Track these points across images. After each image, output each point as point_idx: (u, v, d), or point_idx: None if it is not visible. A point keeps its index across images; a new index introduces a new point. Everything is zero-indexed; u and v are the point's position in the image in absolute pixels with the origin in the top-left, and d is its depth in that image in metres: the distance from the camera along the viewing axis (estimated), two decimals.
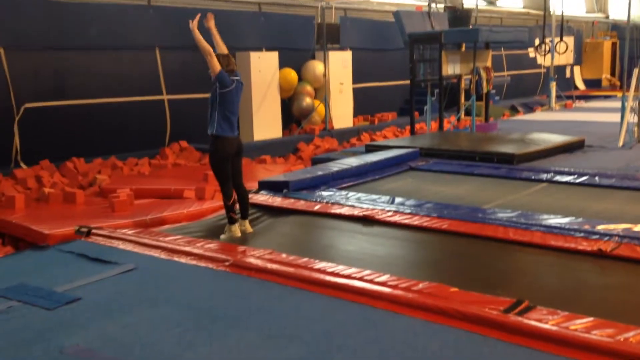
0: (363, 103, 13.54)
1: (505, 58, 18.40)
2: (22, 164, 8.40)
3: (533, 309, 3.16)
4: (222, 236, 5.07)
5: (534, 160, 7.67)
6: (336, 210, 5.50)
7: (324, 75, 11.95)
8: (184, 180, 7.51)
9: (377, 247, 4.62)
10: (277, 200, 5.90)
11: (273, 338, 3.08)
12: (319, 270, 3.87)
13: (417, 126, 11.71)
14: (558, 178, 6.64)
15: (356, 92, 13.00)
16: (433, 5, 12.59)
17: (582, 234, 4.46)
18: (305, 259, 4.10)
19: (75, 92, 9.06)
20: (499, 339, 2.96)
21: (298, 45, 12.15)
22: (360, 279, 3.70)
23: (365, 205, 5.56)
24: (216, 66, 4.86)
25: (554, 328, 2.93)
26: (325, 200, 5.79)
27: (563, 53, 15.43)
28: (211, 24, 5.05)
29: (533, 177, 6.75)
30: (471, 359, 2.81)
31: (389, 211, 5.33)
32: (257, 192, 6.21)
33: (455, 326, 3.12)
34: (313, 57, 12.35)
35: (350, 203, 5.67)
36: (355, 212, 5.39)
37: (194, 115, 10.09)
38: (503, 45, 15.66)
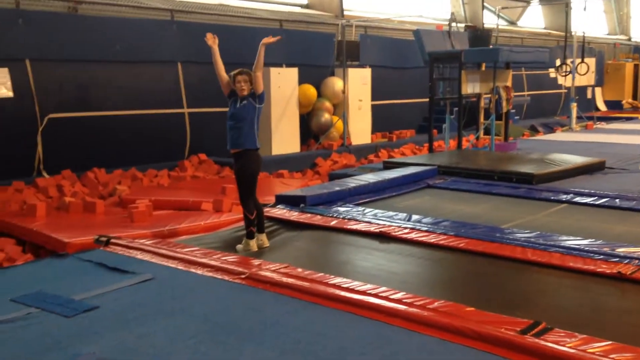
0: (381, 120, 13.57)
1: (526, 78, 18.34)
2: (44, 173, 8.53)
3: (550, 330, 3.12)
4: (239, 247, 5.08)
5: (554, 181, 7.61)
6: (353, 226, 5.50)
7: (343, 91, 12.01)
8: (202, 192, 7.56)
9: (393, 264, 4.60)
10: (293, 215, 5.92)
11: (287, 353, 3.08)
12: (335, 286, 3.87)
13: (435, 144, 11.69)
14: (578, 199, 6.58)
15: (375, 109, 13.04)
16: (453, 24, 12.63)
17: (601, 257, 4.41)
18: (320, 274, 4.10)
19: (98, 103, 9.21)
20: None
21: (318, 61, 12.24)
22: (376, 295, 3.69)
23: (382, 222, 5.55)
24: (261, 83, 4.94)
25: (572, 351, 2.89)
26: (341, 216, 5.79)
27: (584, 74, 15.35)
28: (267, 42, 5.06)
29: (552, 198, 6.69)
30: None
31: (405, 228, 5.32)
32: (274, 206, 6.24)
33: (470, 346, 3.09)
34: (332, 74, 12.42)
35: (367, 219, 5.67)
36: (372, 228, 5.38)
37: (213, 129, 10.19)
38: (523, 65, 15.62)
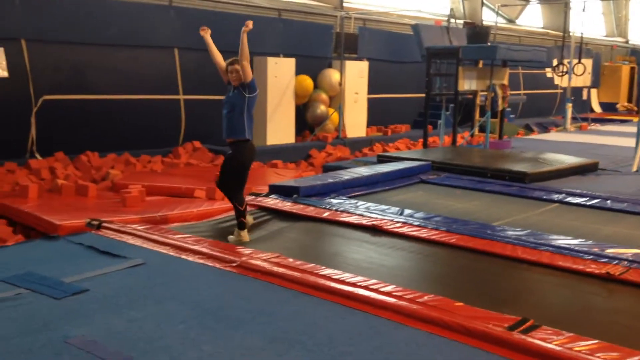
0: (377, 114, 13.57)
1: (523, 77, 18.37)
2: (37, 155, 8.49)
3: (538, 328, 3.15)
4: (231, 237, 5.09)
5: (546, 180, 7.65)
6: (345, 218, 5.51)
7: (340, 84, 12.00)
8: (196, 179, 7.55)
9: (384, 257, 4.62)
10: (286, 205, 5.92)
11: (276, 341, 3.09)
12: (325, 277, 3.88)
13: (430, 140, 11.71)
14: (570, 199, 6.61)
15: (371, 103, 13.04)
16: (452, 20, 12.62)
17: (591, 257, 4.44)
18: (311, 265, 4.11)
19: (94, 87, 9.16)
20: (502, 356, 2.96)
21: (315, 53, 12.21)
22: (366, 287, 3.70)
23: (374, 215, 5.57)
24: (251, 73, 4.91)
25: (558, 348, 2.92)
26: (334, 208, 5.80)
27: (581, 75, 15.39)
28: (245, 33, 5.01)
29: (544, 197, 6.73)
30: None
31: (397, 222, 5.34)
32: (267, 195, 6.24)
33: (458, 340, 3.11)
34: (330, 66, 12.41)
35: (359, 212, 5.68)
36: (364, 221, 5.40)
37: (208, 116, 10.17)
38: (521, 64, 15.64)
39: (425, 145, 11.08)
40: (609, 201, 6.51)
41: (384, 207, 5.92)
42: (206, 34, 5.08)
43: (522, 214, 6.00)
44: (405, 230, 5.15)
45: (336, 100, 12.13)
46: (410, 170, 7.75)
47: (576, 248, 4.61)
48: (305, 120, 12.02)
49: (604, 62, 22.74)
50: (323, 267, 4.07)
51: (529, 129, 16.39)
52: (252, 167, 5.22)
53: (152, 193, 6.84)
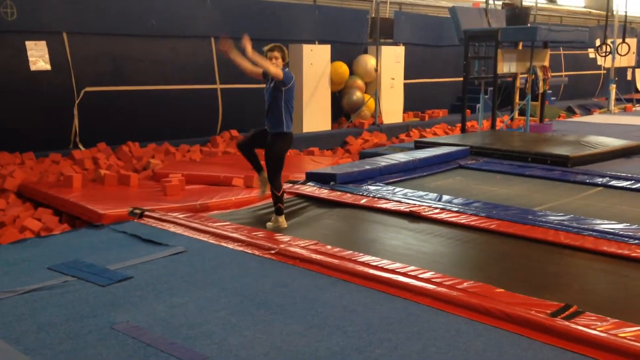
0: (414, 99, 13.44)
1: (564, 58, 17.91)
2: (80, 146, 8.71)
3: (581, 314, 3.09)
4: (269, 224, 5.13)
5: (590, 164, 7.46)
6: (382, 204, 5.49)
7: (376, 69, 11.91)
8: (233, 168, 7.63)
9: (423, 244, 4.60)
10: (323, 192, 5.94)
11: (315, 327, 3.12)
12: (363, 264, 3.89)
13: (468, 124, 11.55)
14: (614, 183, 6.44)
15: (407, 88, 12.92)
16: (491, 2, 12.36)
17: (636, 241, 4.33)
18: (349, 252, 4.12)
19: (133, 78, 9.32)
20: (545, 342, 2.92)
21: (351, 39, 12.14)
22: (405, 274, 3.69)
23: (412, 202, 5.53)
24: (278, 70, 4.79)
25: (603, 335, 2.86)
26: (371, 195, 5.79)
27: (625, 55, 14.91)
28: (248, 48, 4.90)
29: (588, 181, 6.57)
30: None
31: (436, 208, 5.29)
32: (304, 183, 6.27)
33: (499, 327, 3.08)
34: (365, 52, 12.32)
35: (396, 198, 5.65)
36: (402, 207, 5.37)
37: (245, 105, 10.24)
38: (562, 45, 15.24)
39: (463, 130, 10.93)
40: None
41: (421, 193, 5.87)
42: (231, 52, 4.98)
43: (565, 199, 5.88)
44: (443, 216, 5.10)
45: (372, 86, 12.06)
46: (448, 156, 7.67)
47: (621, 232, 4.50)
48: (341, 107, 11.98)
49: None
50: (361, 254, 4.07)
51: (570, 112, 15.99)
52: (288, 154, 5.24)
53: (191, 182, 6.95)
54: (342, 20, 12.11)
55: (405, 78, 12.71)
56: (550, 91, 14.57)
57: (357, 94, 11.87)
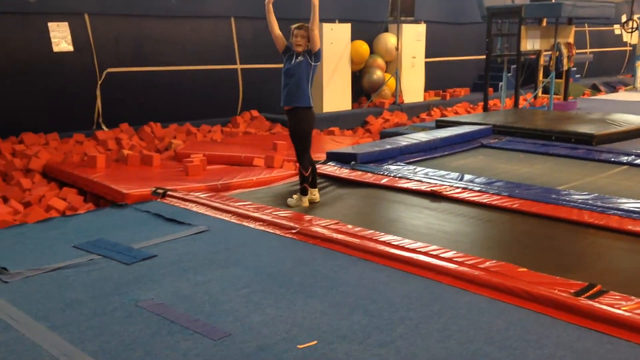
0: (435, 78, 13.30)
1: (589, 34, 17.53)
2: (103, 126, 8.81)
3: (605, 293, 3.06)
4: (290, 200, 5.13)
5: (615, 142, 7.33)
6: (403, 184, 5.47)
7: (397, 48, 11.78)
8: (254, 148, 7.66)
9: (444, 223, 4.58)
10: (344, 172, 5.93)
11: (337, 306, 3.14)
12: (384, 243, 3.89)
13: (490, 103, 11.40)
14: (639, 161, 6.33)
15: (428, 66, 12.77)
16: None
17: None
18: (370, 231, 4.13)
19: (154, 59, 9.35)
20: (568, 321, 2.90)
21: (371, 17, 12.01)
22: (426, 253, 3.69)
23: (433, 181, 5.51)
24: (319, 41, 4.88)
25: (627, 314, 2.84)
26: (392, 174, 5.77)
27: None
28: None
29: (613, 159, 6.47)
30: (538, 340, 2.76)
31: (457, 188, 5.26)
32: (325, 163, 6.26)
33: (522, 306, 3.07)
34: (386, 30, 12.19)
35: (418, 178, 5.63)
36: (423, 187, 5.35)
37: (265, 85, 10.23)
38: (587, 21, 14.92)
39: (485, 108, 10.80)
40: None
41: (443, 172, 5.84)
42: (270, 1, 5.02)
43: (589, 177, 5.80)
44: (465, 195, 5.07)
45: (393, 65, 11.95)
46: (470, 135, 7.59)
47: None
48: (362, 86, 11.91)
49: None
50: (382, 234, 4.07)
51: (595, 89, 15.69)
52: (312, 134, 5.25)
53: (212, 162, 6.99)
54: None
55: (426, 56, 12.56)
56: (574, 68, 14.30)
57: (378, 73, 11.77)
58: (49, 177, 6.76)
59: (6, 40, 8.08)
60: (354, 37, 11.23)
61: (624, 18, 14.90)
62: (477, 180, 5.51)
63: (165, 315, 3.02)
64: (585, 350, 2.67)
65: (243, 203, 4.91)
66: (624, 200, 4.76)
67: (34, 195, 5.99)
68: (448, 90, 13.57)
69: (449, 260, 3.57)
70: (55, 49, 8.39)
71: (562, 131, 7.58)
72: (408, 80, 12.15)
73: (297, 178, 5.44)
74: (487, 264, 3.49)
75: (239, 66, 10.32)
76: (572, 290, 3.09)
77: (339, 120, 10.41)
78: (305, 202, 5.12)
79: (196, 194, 5.28)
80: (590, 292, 3.07)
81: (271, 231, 4.31)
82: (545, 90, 10.99)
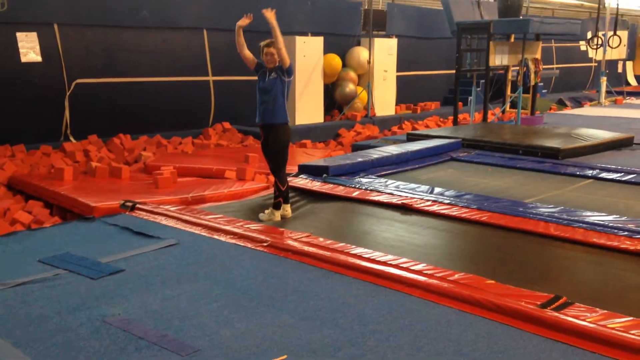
0: (406, 91, 13.45)
1: (555, 50, 17.95)
2: (71, 138, 8.66)
3: (571, 305, 3.12)
4: (262, 215, 5.13)
5: (580, 156, 7.51)
6: (375, 197, 5.51)
7: (369, 62, 11.89)
8: (226, 160, 7.62)
9: (415, 236, 4.61)
10: (316, 185, 5.94)
11: (308, 319, 3.13)
12: (356, 256, 3.90)
13: (460, 117, 11.57)
14: (604, 175, 6.49)
15: (400, 80, 12.92)
16: None
17: (625, 233, 4.36)
18: (342, 244, 4.13)
19: (125, 69, 9.26)
20: (535, 333, 2.94)
21: (344, 31, 12.12)
22: (397, 266, 3.71)
23: (404, 194, 5.55)
24: (288, 58, 4.91)
25: (592, 325, 2.89)
26: (364, 187, 5.80)
27: (616, 47, 14.97)
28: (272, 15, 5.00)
29: (578, 173, 6.61)
30: (505, 352, 2.79)
31: (427, 201, 5.31)
32: (296, 175, 6.27)
33: (490, 318, 3.11)
34: (358, 44, 12.30)
35: (389, 191, 5.67)
36: (394, 200, 5.39)
37: (238, 98, 10.21)
38: (554, 37, 15.28)
39: (455, 122, 10.95)
40: None
41: (414, 185, 5.89)
42: (244, 23, 5.02)
43: (555, 191, 5.91)
44: (435, 208, 5.12)
45: (365, 78, 12.05)
46: (440, 148, 7.69)
47: (610, 224, 4.54)
48: (334, 99, 11.97)
49: None
50: (353, 246, 4.09)
51: (562, 104, 16.05)
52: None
53: (183, 174, 6.94)
54: (335, 12, 12.08)
55: (397, 70, 12.71)
56: (541, 84, 14.61)
57: (350, 86, 11.86)
58: (15, 190, 6.63)
59: None
60: (327, 50, 11.31)
61: (589, 35, 15.31)
62: (447, 193, 5.58)
63: (133, 331, 2.97)
64: None
65: (214, 216, 4.87)
66: (588, 213, 4.87)
67: None
68: (419, 103, 13.73)
69: (419, 272, 3.60)
70: (23, 59, 8.25)
71: (530, 145, 7.73)
72: (380, 93, 12.26)
73: (268, 191, 5.43)
74: (457, 276, 3.52)
75: (211, 78, 10.28)
76: (538, 302, 3.14)
77: (311, 132, 10.44)
78: (277, 216, 5.11)
79: (166, 206, 5.22)
80: (556, 304, 3.12)
81: (242, 244, 4.28)
82: (513, 105, 11.21)
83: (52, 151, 7.98)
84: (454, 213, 4.99)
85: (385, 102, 12.46)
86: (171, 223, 4.77)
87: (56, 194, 6.04)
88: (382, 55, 12.23)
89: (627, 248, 4.14)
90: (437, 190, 5.69)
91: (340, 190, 5.76)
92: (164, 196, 5.83)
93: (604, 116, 12.00)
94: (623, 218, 4.73)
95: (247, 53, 5.04)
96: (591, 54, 16.34)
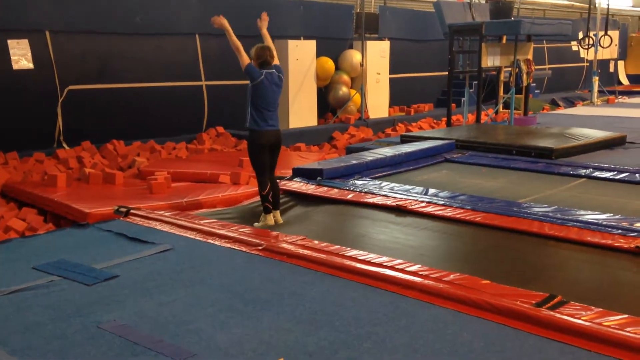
0: (399, 93, 13.48)
1: (547, 51, 18.03)
2: (64, 145, 8.63)
3: (566, 304, 3.13)
4: (256, 224, 5.14)
5: (573, 156, 7.54)
6: (369, 199, 5.51)
7: (361, 64, 11.92)
8: (220, 165, 7.61)
9: (409, 237, 4.62)
10: (310, 188, 5.94)
11: (304, 322, 3.13)
12: (351, 258, 3.90)
13: (453, 118, 11.60)
14: (597, 174, 6.51)
15: (393, 83, 12.94)
16: None
17: (619, 231, 4.38)
18: (337, 247, 4.13)
19: (117, 76, 9.24)
20: (530, 332, 2.95)
21: (336, 34, 12.13)
22: (392, 267, 3.71)
23: (398, 196, 5.56)
24: (244, 60, 4.94)
25: (587, 324, 2.90)
26: (358, 189, 5.81)
27: (607, 47, 15.06)
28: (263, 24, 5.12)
29: (571, 173, 6.64)
30: (501, 352, 2.80)
31: (422, 202, 5.32)
32: (291, 179, 6.27)
33: (485, 318, 3.11)
34: (351, 47, 12.32)
35: (383, 193, 5.67)
36: (389, 201, 5.39)
37: (231, 102, 10.21)
38: (545, 38, 15.36)
39: (448, 123, 10.98)
40: (637, 175, 6.40)
41: (408, 187, 5.90)
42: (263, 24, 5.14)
43: (549, 191, 5.93)
44: (430, 209, 5.13)
45: (358, 81, 12.06)
46: (434, 150, 7.70)
47: (604, 223, 4.56)
48: (328, 102, 11.98)
49: (631, 34, 22.17)
50: (348, 249, 4.09)
51: (554, 104, 16.12)
52: (262, 156, 5.20)
53: (177, 179, 6.92)
54: (327, 16, 12.10)
55: (390, 73, 12.73)
56: (534, 84, 14.68)
57: (343, 89, 11.87)
58: (8, 197, 6.59)
59: None
60: (320, 53, 11.32)
61: (580, 35, 15.38)
62: (441, 194, 5.59)
63: (128, 337, 2.96)
64: None
65: (209, 220, 4.87)
66: (582, 212, 4.89)
67: None
68: (412, 105, 13.76)
69: (414, 274, 3.60)
70: (15, 66, 8.22)
71: (523, 145, 7.76)
72: (373, 96, 12.28)
73: None
74: (452, 277, 3.53)
75: (204, 83, 10.28)
76: (533, 302, 3.15)
77: (305, 136, 10.44)
78: (270, 220, 5.12)
79: (160, 212, 5.21)
80: (551, 302, 3.13)
81: (237, 248, 4.28)
82: (506, 106, 11.24)
83: (45, 158, 7.95)
84: (449, 214, 5.00)
85: (378, 104, 12.48)
86: (165, 228, 4.76)
87: (50, 200, 6.01)
88: (375, 57, 12.25)
89: (621, 246, 4.15)
90: (431, 191, 5.70)
91: (334, 192, 5.76)
92: (158, 201, 5.82)
93: (597, 115, 12.06)
94: (617, 216, 4.75)
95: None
96: (583, 54, 16.42)
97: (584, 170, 6.66)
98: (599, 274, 3.91)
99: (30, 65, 8.33)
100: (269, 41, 5.10)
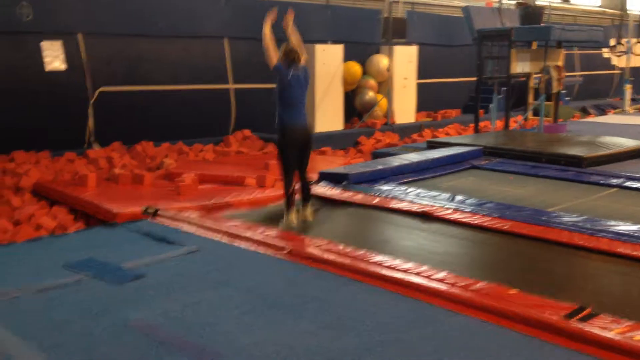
0: (426, 99, 13.40)
1: (578, 57, 17.77)
2: (94, 145, 8.78)
3: (596, 316, 3.07)
4: (281, 225, 5.14)
5: (604, 165, 7.39)
6: (395, 205, 5.48)
7: (388, 69, 11.88)
8: (246, 167, 7.65)
9: (435, 244, 4.58)
10: (336, 192, 5.94)
11: (328, 327, 3.12)
12: (376, 264, 3.88)
13: (481, 124, 11.48)
14: (629, 184, 6.38)
15: (420, 88, 12.87)
16: (504, 1, 12.30)
17: None
18: (362, 252, 4.12)
19: (148, 78, 9.38)
20: (559, 344, 2.90)
21: (363, 38, 12.13)
22: (418, 274, 3.69)
23: (424, 202, 5.52)
24: (273, 59, 4.96)
25: (617, 337, 2.84)
26: (384, 195, 5.78)
27: None
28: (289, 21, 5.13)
29: (602, 182, 6.51)
30: None
31: (448, 209, 5.27)
32: (317, 183, 6.27)
33: (513, 329, 3.06)
34: (378, 51, 12.30)
35: (409, 198, 5.64)
36: (414, 207, 5.36)
37: (258, 105, 10.27)
38: (576, 44, 15.14)
39: (476, 130, 10.88)
40: None
41: (434, 193, 5.86)
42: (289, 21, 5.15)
43: (579, 200, 5.83)
44: (456, 216, 5.08)
45: (385, 86, 12.03)
46: (461, 156, 7.63)
47: (636, 234, 4.46)
48: (354, 106, 11.97)
49: None
50: (373, 254, 4.07)
51: (585, 112, 15.86)
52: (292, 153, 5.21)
53: (204, 181, 6.98)
54: (355, 20, 12.09)
55: (418, 78, 12.67)
56: (564, 91, 14.44)
57: (370, 94, 11.85)
58: (39, 196, 6.72)
59: None
60: (347, 58, 11.32)
61: (612, 42, 15.13)
62: (468, 201, 5.53)
63: (154, 336, 2.99)
64: None
65: (234, 223, 4.89)
66: (613, 222, 4.79)
67: (23, 213, 5.95)
68: (439, 111, 13.66)
69: (441, 281, 3.57)
70: (48, 67, 8.39)
71: (552, 153, 7.64)
72: (400, 101, 12.22)
73: None
74: (479, 285, 3.49)
75: (231, 86, 10.36)
76: (562, 313, 3.09)
77: (331, 140, 10.44)
78: (293, 219, 5.07)
79: (187, 213, 5.26)
80: (581, 314, 3.07)
81: (262, 251, 4.29)
82: (536, 113, 11.10)
83: (76, 158, 8.09)
84: (475, 221, 4.95)
85: (405, 109, 12.42)
86: (192, 230, 4.80)
87: (80, 200, 6.11)
88: (402, 62, 12.20)
89: None
90: (458, 198, 5.64)
91: (360, 197, 5.74)
92: (185, 203, 5.87)
93: (629, 124, 11.82)
94: None
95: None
96: (615, 61, 16.12)
97: (615, 180, 6.54)
98: (630, 286, 3.82)
99: (63, 67, 8.49)
100: (298, 37, 5.08)
